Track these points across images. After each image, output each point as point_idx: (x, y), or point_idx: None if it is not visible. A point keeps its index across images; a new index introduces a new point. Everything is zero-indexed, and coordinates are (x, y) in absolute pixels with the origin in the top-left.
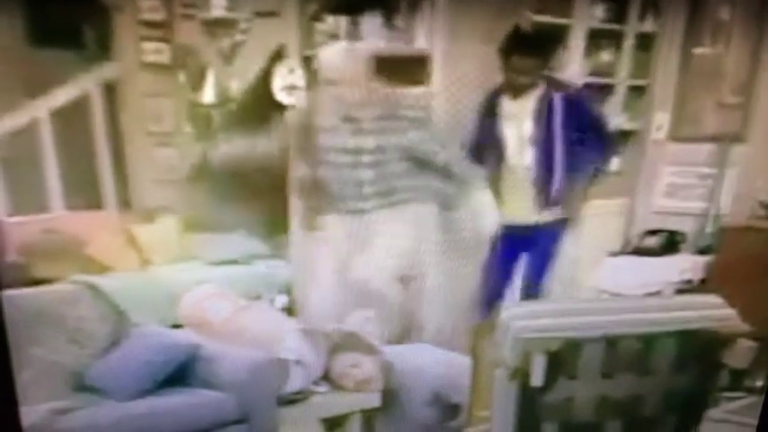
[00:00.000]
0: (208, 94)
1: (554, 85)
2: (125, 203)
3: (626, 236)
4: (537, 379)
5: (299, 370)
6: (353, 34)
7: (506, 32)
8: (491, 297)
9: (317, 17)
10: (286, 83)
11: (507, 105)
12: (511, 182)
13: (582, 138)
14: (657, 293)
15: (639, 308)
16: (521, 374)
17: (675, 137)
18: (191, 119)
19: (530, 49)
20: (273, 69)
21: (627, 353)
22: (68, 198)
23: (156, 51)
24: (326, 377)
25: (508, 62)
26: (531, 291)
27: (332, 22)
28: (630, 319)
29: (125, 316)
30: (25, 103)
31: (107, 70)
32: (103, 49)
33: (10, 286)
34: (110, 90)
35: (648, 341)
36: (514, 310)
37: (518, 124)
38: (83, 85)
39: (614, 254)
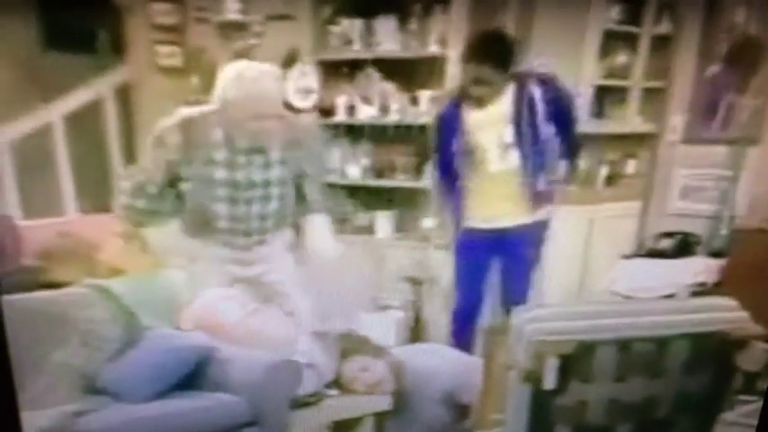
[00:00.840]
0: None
1: (524, 79)
2: None
3: (639, 238)
4: (549, 382)
5: (311, 373)
6: (367, 37)
7: (465, 44)
8: (468, 309)
9: (330, 20)
10: (299, 86)
11: (473, 114)
12: (494, 187)
13: (564, 123)
14: (671, 296)
15: (653, 310)
16: (533, 377)
17: (690, 139)
18: None
19: (487, 57)
20: (287, 73)
21: (640, 356)
22: (82, 201)
23: (169, 55)
24: (336, 381)
25: (467, 72)
26: (514, 300)
27: (346, 25)
28: (644, 321)
29: (137, 319)
30: (39, 107)
31: (120, 74)
32: (116, 53)
33: (25, 290)
34: (123, 94)
35: (662, 344)
36: (528, 313)
37: (495, 131)
38: (96, 88)
39: (628, 256)
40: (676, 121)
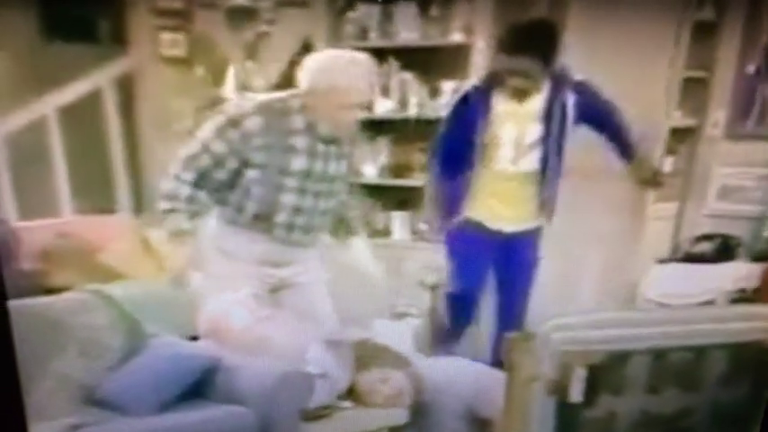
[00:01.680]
0: (228, 90)
1: (561, 81)
2: (139, 207)
3: (676, 241)
4: (577, 394)
5: (323, 384)
6: (385, 25)
7: (504, 31)
8: (459, 318)
9: (346, 7)
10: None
11: (504, 105)
12: (496, 188)
13: (605, 118)
14: (709, 303)
15: (689, 319)
16: (560, 389)
17: (731, 135)
18: (210, 116)
19: (530, 49)
20: (299, 63)
21: (675, 366)
22: (79, 201)
23: (172, 44)
24: (353, 392)
25: (505, 63)
26: (512, 313)
27: (363, 11)
28: (679, 330)
29: (139, 326)
30: (33, 100)
31: (120, 64)
32: (116, 42)
33: (24, 295)
34: (123, 85)
35: (698, 354)
36: (554, 321)
37: (519, 126)
38: (94, 80)
39: (663, 261)
40: (718, 115)
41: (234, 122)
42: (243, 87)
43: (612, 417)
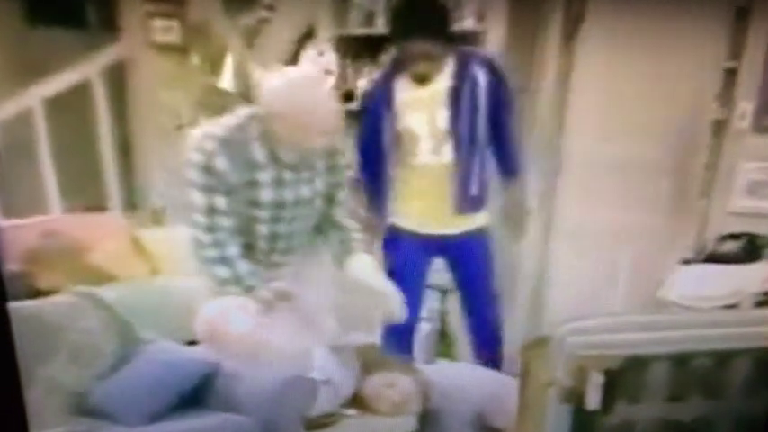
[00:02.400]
0: (226, 80)
1: (466, 55)
2: (131, 205)
3: (700, 240)
4: (593, 401)
5: (327, 390)
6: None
7: (391, 16)
8: (395, 326)
9: None
10: (316, 67)
11: (410, 92)
12: (422, 185)
13: (506, 114)
14: (733, 306)
15: (713, 322)
16: (575, 396)
17: (760, 128)
18: (206, 108)
19: (427, 29)
20: (301, 52)
21: (697, 372)
22: (68, 199)
23: (165, 30)
24: (358, 399)
25: (404, 45)
26: (481, 321)
27: None
28: (702, 334)
29: (133, 331)
30: (18, 91)
31: (110, 52)
32: (105, 28)
33: (9, 298)
34: (113, 75)
35: (722, 359)
36: (570, 324)
37: (429, 113)
38: (83, 69)
39: (686, 261)
40: (745, 107)
41: (207, 169)
42: (241, 77)
43: (631, 425)
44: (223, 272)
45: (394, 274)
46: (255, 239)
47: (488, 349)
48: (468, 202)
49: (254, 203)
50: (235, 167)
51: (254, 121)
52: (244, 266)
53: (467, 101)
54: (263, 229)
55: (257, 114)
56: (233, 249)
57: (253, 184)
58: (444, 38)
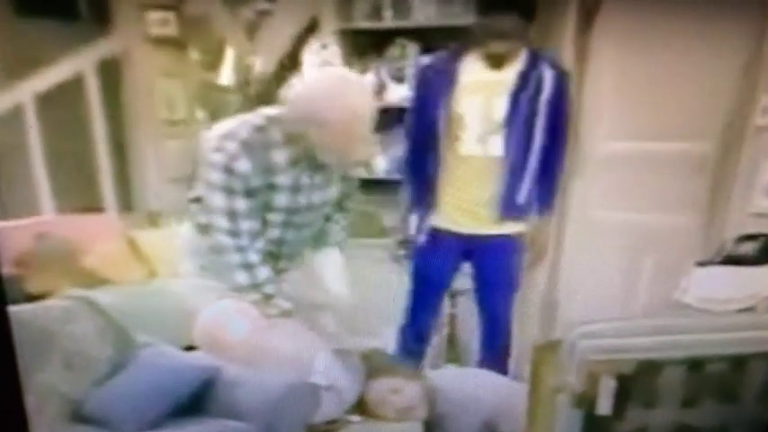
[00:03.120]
0: (226, 75)
1: (538, 56)
2: (126, 205)
3: (718, 242)
4: (605, 407)
5: (330, 396)
6: (400, 3)
7: None
8: (417, 325)
9: None
10: (318, 61)
11: (476, 74)
12: (465, 177)
13: (558, 127)
14: (750, 309)
15: (730, 326)
16: (586, 401)
17: None
18: (204, 104)
19: (513, 5)
20: (304, 45)
21: (713, 377)
22: (61, 199)
23: (161, 22)
24: (362, 405)
25: (486, 23)
26: (494, 327)
27: None
28: (717, 338)
29: (129, 336)
30: (7, 86)
31: (104, 46)
32: (98, 19)
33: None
34: (107, 69)
35: (738, 364)
36: (582, 328)
37: (487, 100)
38: (75, 63)
39: (703, 263)
40: (766, 101)
41: (229, 171)
42: (241, 72)
43: (643, 431)
44: (243, 278)
45: (421, 277)
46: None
47: (496, 353)
48: (511, 202)
49: (269, 207)
50: (255, 170)
51: (276, 123)
52: (264, 273)
53: (529, 95)
54: (273, 233)
55: (282, 118)
56: (254, 256)
57: (271, 187)
58: (529, 17)
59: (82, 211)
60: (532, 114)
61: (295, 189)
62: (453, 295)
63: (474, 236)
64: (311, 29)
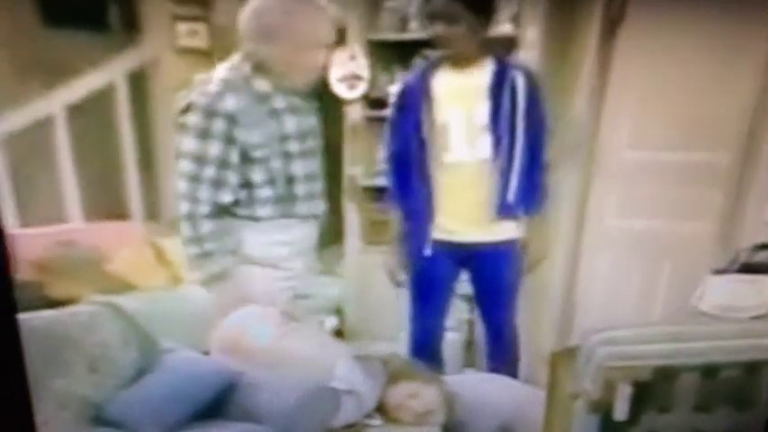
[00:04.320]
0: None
1: (504, 59)
2: (152, 213)
3: (734, 250)
4: (621, 412)
5: (350, 401)
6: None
7: None
8: (422, 339)
9: None
10: (346, 72)
11: (449, 80)
12: (455, 185)
13: (535, 130)
14: (766, 317)
15: (744, 333)
16: (603, 407)
17: None
18: None
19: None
20: (331, 56)
21: (727, 383)
22: (87, 207)
23: (190, 33)
24: (381, 409)
25: (434, 28)
26: (498, 337)
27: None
28: (732, 345)
29: (152, 341)
30: (38, 96)
31: (133, 56)
32: (130, 31)
33: (22, 309)
34: (137, 80)
35: (752, 370)
36: (599, 335)
37: (467, 106)
38: (106, 73)
39: (719, 271)
40: None
41: (210, 113)
42: None
43: None
44: (186, 229)
45: (421, 285)
46: (295, 183)
47: (503, 360)
48: (506, 206)
49: (284, 135)
50: (244, 105)
51: (244, 58)
52: (208, 227)
53: (506, 98)
54: (298, 168)
55: (245, 50)
56: (205, 208)
57: (274, 113)
58: (478, 20)
59: (109, 219)
60: (513, 116)
61: (293, 111)
62: (470, 300)
63: (469, 244)
64: (338, 40)
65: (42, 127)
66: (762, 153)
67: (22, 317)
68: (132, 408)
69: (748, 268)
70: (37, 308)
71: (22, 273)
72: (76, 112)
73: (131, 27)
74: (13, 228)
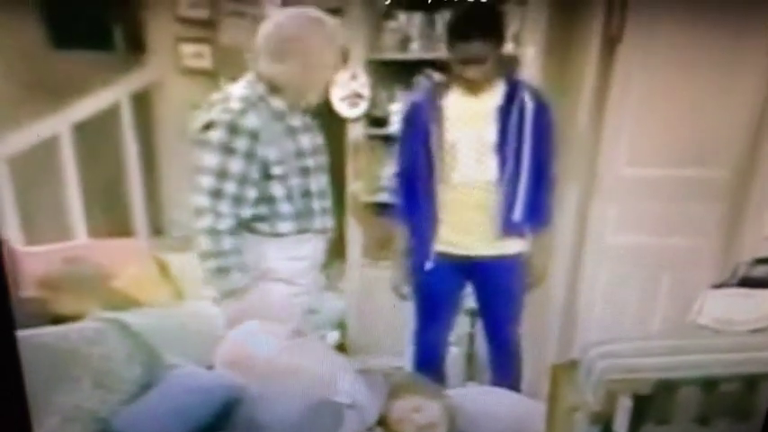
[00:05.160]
0: None
1: (515, 80)
2: (157, 230)
3: (734, 264)
4: (621, 425)
5: (353, 414)
6: (428, 34)
7: (450, 21)
8: (426, 352)
9: (386, 15)
10: (347, 92)
11: (459, 104)
12: (462, 202)
13: (542, 149)
14: (765, 330)
15: (744, 346)
16: (603, 420)
17: None
18: None
19: (480, 32)
20: (337, 75)
21: (726, 396)
22: (92, 224)
23: (196, 55)
24: (383, 422)
25: (456, 50)
26: (501, 349)
27: (403, 20)
28: (732, 358)
29: (157, 356)
30: (43, 115)
31: (139, 77)
32: (135, 53)
33: (27, 325)
34: (142, 100)
35: (751, 383)
36: (600, 348)
37: (477, 125)
38: (111, 94)
39: (718, 285)
40: None
41: (233, 129)
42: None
43: None
44: (206, 243)
45: (426, 299)
46: (312, 198)
47: (506, 374)
48: (512, 224)
49: (300, 152)
50: (264, 122)
51: (258, 77)
52: (229, 243)
53: (515, 117)
54: (315, 183)
55: (259, 69)
56: (227, 222)
57: (290, 131)
58: (497, 40)
59: (113, 236)
60: (520, 138)
61: (307, 129)
62: (472, 314)
63: (474, 257)
64: (342, 60)
65: (49, 146)
66: (760, 168)
67: (29, 333)
68: (137, 422)
69: (747, 282)
70: (43, 324)
71: (28, 289)
72: (82, 130)
73: (137, 48)
74: (18, 244)
